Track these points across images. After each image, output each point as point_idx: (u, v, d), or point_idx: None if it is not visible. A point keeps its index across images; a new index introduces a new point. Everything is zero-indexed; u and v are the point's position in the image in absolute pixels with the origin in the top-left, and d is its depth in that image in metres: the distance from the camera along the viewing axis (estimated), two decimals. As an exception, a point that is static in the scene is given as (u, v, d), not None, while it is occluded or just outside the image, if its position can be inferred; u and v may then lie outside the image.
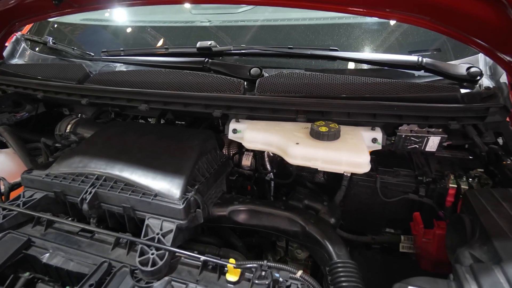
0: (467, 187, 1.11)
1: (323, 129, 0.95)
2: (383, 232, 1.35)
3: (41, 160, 1.49)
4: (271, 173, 1.45)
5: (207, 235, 1.21)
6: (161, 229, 0.92)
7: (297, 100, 1.07)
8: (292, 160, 0.93)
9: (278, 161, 1.46)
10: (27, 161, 1.38)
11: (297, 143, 0.93)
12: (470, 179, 1.15)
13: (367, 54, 1.29)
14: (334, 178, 1.38)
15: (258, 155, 1.46)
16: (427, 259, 1.13)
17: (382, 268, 1.26)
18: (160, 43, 1.71)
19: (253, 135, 1.04)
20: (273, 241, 1.41)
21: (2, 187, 1.22)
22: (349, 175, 1.27)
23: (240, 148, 1.50)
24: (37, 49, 1.86)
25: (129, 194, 0.97)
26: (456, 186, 1.12)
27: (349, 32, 1.38)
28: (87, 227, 0.99)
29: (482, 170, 1.18)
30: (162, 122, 1.63)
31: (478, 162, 1.26)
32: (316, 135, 0.95)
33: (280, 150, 0.98)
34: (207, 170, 1.11)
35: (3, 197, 1.28)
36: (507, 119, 1.05)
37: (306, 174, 1.48)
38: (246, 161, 1.49)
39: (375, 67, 1.24)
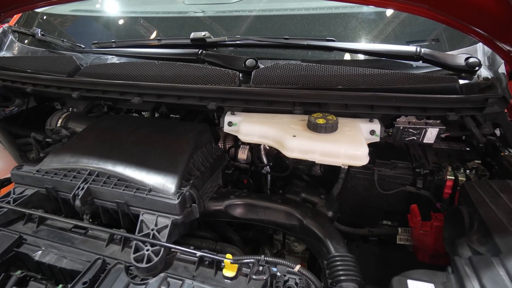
0: (464, 179, 1.11)
1: (321, 121, 0.93)
2: (380, 224, 1.35)
3: (33, 156, 1.46)
4: (268, 167, 1.43)
5: (203, 230, 1.20)
6: (156, 225, 0.90)
7: (294, 91, 1.05)
8: (289, 153, 0.91)
9: (274, 154, 1.45)
10: (17, 157, 1.34)
11: (294, 136, 0.91)
12: (468, 171, 1.14)
13: (365, 44, 1.26)
14: (331, 171, 1.37)
15: (254, 148, 1.44)
16: (424, 251, 1.13)
17: (379, 260, 1.26)
18: (152, 34, 1.67)
19: (249, 128, 1.02)
20: (270, 235, 1.40)
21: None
22: (346, 167, 1.26)
23: (236, 141, 1.48)
24: (25, 41, 1.80)
25: (123, 190, 0.95)
26: (453, 178, 1.11)
27: (346, 22, 1.35)
28: (80, 223, 0.96)
29: (479, 161, 1.17)
30: (156, 115, 1.61)
31: (475, 153, 1.26)
32: (314, 127, 0.93)
33: (276, 143, 0.96)
34: (202, 164, 1.09)
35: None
36: (505, 110, 1.05)
37: (302, 167, 1.47)
38: (242, 154, 1.47)
39: (373, 57, 1.22)
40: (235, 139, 1.48)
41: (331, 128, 0.93)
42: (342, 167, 1.25)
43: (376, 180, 1.23)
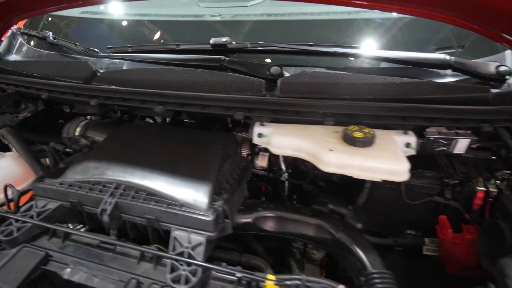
0: (495, 190, 1.09)
1: (358, 134, 0.90)
2: (405, 234, 1.33)
3: (48, 163, 1.42)
4: (286, 174, 1.41)
5: (226, 240, 1.17)
6: (189, 243, 0.88)
7: (326, 102, 1.03)
8: (326, 168, 0.89)
9: (290, 161, 1.42)
10: (35, 166, 1.30)
11: (331, 150, 0.89)
12: (498, 182, 1.12)
13: (392, 52, 1.23)
14: (349, 178, 1.35)
15: (273, 155, 1.42)
16: (454, 263, 1.12)
17: (406, 271, 1.25)
18: (168, 39, 1.63)
19: (281, 140, 0.99)
20: (288, 242, 1.38)
21: (10, 195, 1.15)
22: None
23: (253, 148, 1.45)
24: (32, 43, 1.76)
25: (153, 205, 0.92)
26: (485, 189, 1.10)
27: (372, 28, 1.33)
28: (109, 239, 0.93)
29: (509, 172, 1.15)
30: (167, 120, 1.57)
31: (501, 162, 1.24)
32: (351, 141, 0.91)
33: (311, 156, 0.93)
34: (230, 176, 1.06)
35: (7, 206, 1.20)
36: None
37: (317, 172, 1.44)
38: (262, 162, 1.44)
39: (399, 65, 1.20)
40: (252, 145, 1.46)
41: (369, 142, 0.90)
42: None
43: (403, 190, 1.21)
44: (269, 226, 1.07)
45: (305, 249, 1.39)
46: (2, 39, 1.72)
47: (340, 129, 1.01)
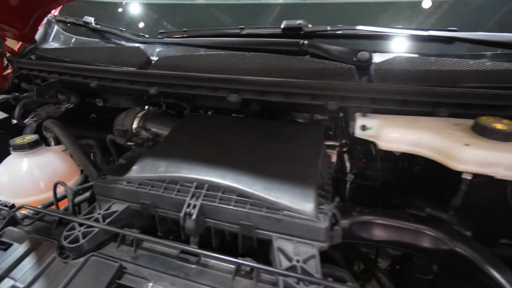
0: None
1: (500, 126, 0.75)
2: (499, 244, 1.18)
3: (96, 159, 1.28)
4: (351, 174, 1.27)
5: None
6: (297, 255, 0.72)
7: (440, 90, 0.88)
8: (461, 166, 0.74)
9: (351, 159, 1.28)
10: (84, 162, 1.16)
11: (467, 145, 0.74)
12: None
13: (496, 35, 1.08)
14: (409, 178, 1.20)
15: (342, 153, 1.27)
16: None
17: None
18: (223, 23, 1.48)
19: (394, 134, 0.84)
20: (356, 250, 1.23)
21: (63, 192, 1.00)
22: (469, 178, 1.08)
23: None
24: (69, 30, 1.62)
25: (249, 209, 0.77)
26: None
27: (470, 9, 1.17)
28: (197, 250, 0.78)
29: None
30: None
31: None
32: (491, 134, 0.76)
33: (438, 152, 0.78)
34: (326, 175, 0.91)
35: (56, 205, 1.06)
36: None
37: (370, 173, 1.30)
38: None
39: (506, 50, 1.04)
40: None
41: (514, 135, 0.75)
42: (463, 177, 1.08)
43: (510, 193, 1.05)
44: (368, 233, 0.92)
45: (376, 257, 1.25)
46: (38, 27, 1.59)
47: (459, 121, 0.86)
